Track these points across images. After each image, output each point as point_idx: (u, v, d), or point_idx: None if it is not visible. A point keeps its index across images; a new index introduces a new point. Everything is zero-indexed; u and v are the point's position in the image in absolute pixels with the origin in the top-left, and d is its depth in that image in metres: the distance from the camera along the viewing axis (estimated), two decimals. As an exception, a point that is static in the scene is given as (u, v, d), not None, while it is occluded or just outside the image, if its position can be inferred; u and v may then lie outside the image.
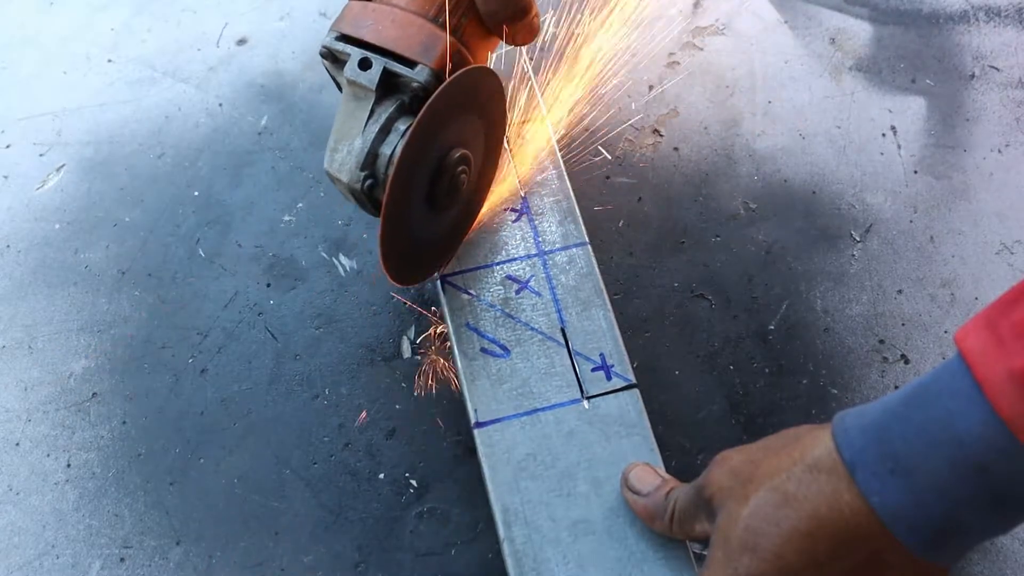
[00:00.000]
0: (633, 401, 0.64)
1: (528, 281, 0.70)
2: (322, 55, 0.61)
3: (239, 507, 0.71)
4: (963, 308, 0.79)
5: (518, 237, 0.72)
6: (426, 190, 0.62)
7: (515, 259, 0.71)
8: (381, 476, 0.72)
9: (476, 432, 0.63)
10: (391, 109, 0.58)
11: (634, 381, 0.65)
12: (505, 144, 0.74)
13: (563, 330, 0.67)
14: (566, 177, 0.75)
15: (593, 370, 0.66)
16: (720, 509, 0.49)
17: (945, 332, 0.77)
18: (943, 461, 0.39)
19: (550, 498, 0.60)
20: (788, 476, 0.45)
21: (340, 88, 0.62)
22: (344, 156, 0.59)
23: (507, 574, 0.58)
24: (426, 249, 0.66)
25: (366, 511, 0.70)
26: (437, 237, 0.67)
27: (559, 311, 0.68)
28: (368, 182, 0.59)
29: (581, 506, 0.60)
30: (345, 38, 0.59)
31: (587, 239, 0.72)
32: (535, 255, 0.71)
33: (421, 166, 0.59)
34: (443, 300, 0.69)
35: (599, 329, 0.67)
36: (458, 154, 0.61)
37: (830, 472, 0.43)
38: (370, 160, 0.58)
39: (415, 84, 0.57)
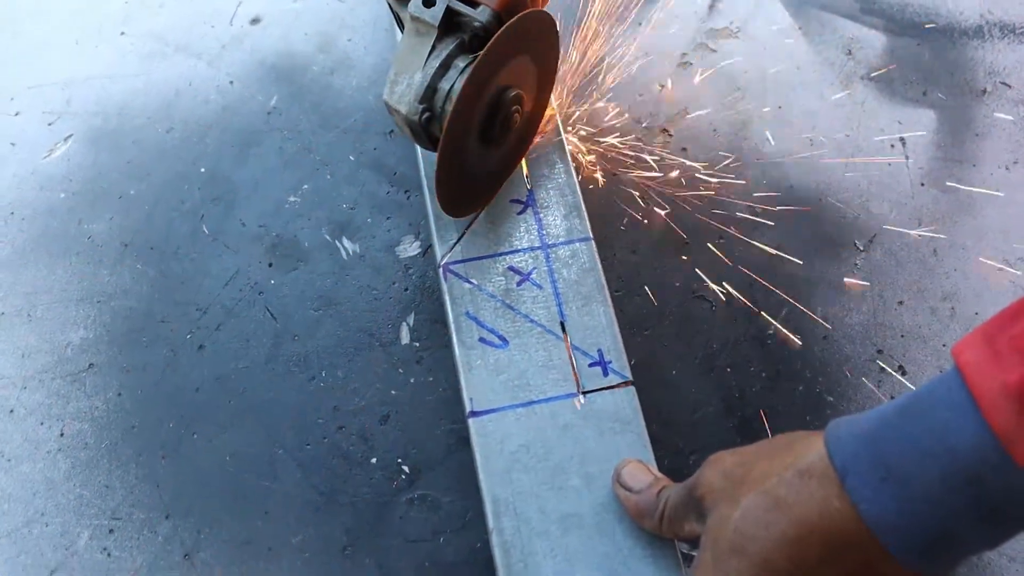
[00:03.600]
0: (629, 398, 0.64)
1: (530, 273, 0.70)
2: None
3: (230, 484, 0.71)
4: (963, 322, 0.78)
5: (522, 229, 0.72)
6: (481, 126, 0.64)
7: (518, 251, 0.71)
8: (373, 461, 0.72)
9: (471, 421, 0.63)
10: (452, 46, 0.61)
11: (631, 378, 0.65)
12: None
13: (563, 324, 0.67)
14: (573, 172, 0.75)
15: (591, 365, 0.66)
16: (711, 511, 0.48)
17: (944, 345, 0.77)
18: (935, 472, 0.39)
19: (541, 491, 0.60)
20: (779, 480, 0.45)
21: (401, 26, 0.65)
22: (404, 89, 0.61)
23: (495, 564, 0.58)
24: (477, 182, 0.69)
25: (356, 495, 0.70)
26: (487, 172, 0.69)
27: (559, 305, 0.68)
28: (426, 115, 0.61)
29: (572, 500, 0.60)
30: None
31: (591, 234, 0.72)
32: (538, 248, 0.71)
33: (478, 103, 0.62)
34: (444, 288, 0.69)
35: (599, 325, 0.67)
36: (513, 93, 0.64)
37: (821, 478, 0.43)
38: (429, 94, 0.61)
39: (476, 23, 0.60)
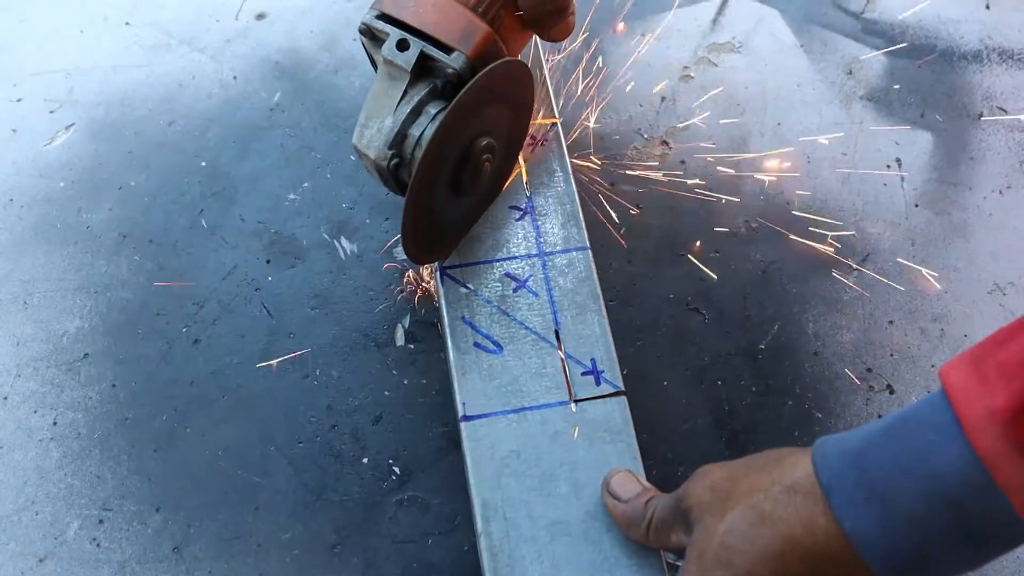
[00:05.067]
0: (620, 408, 0.65)
1: (526, 280, 0.70)
2: (361, 32, 0.62)
3: (221, 479, 0.71)
4: (952, 344, 0.80)
5: (520, 236, 0.73)
6: (451, 174, 0.63)
7: (515, 257, 0.72)
8: (365, 460, 0.72)
9: (463, 425, 0.63)
10: (424, 92, 0.60)
11: (622, 388, 0.65)
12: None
13: (557, 332, 0.68)
14: (572, 181, 0.75)
15: (583, 374, 0.66)
16: (697, 523, 0.49)
17: (932, 366, 0.78)
18: (917, 493, 0.40)
19: (530, 497, 0.61)
20: (766, 496, 0.46)
21: (375, 66, 0.63)
22: (374, 133, 0.60)
23: (482, 568, 0.58)
24: (444, 231, 0.68)
25: (347, 494, 0.71)
26: (455, 220, 0.68)
27: (555, 313, 0.69)
28: (395, 160, 0.60)
29: (560, 507, 0.60)
30: (385, 17, 0.60)
31: (588, 244, 0.72)
32: (535, 255, 0.72)
33: (449, 151, 0.61)
34: (441, 292, 0.69)
35: (592, 334, 0.68)
36: (484, 142, 0.63)
37: (807, 494, 0.44)
38: (399, 140, 0.60)
39: (450, 70, 0.58)
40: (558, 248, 0.72)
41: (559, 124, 0.79)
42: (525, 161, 0.76)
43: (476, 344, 0.67)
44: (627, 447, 0.63)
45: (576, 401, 0.65)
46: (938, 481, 0.39)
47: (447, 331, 0.68)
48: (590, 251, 0.72)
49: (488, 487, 0.61)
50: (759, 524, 0.45)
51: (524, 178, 0.75)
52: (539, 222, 0.73)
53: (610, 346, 0.68)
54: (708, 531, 0.48)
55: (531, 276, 0.71)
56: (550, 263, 0.71)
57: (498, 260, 0.72)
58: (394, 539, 0.69)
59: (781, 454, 0.49)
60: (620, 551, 0.59)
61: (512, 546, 0.59)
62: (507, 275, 0.71)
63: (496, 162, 0.67)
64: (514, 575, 0.58)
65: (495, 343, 0.67)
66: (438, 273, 0.70)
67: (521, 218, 0.74)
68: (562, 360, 0.67)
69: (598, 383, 0.66)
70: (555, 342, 0.67)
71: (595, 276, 0.71)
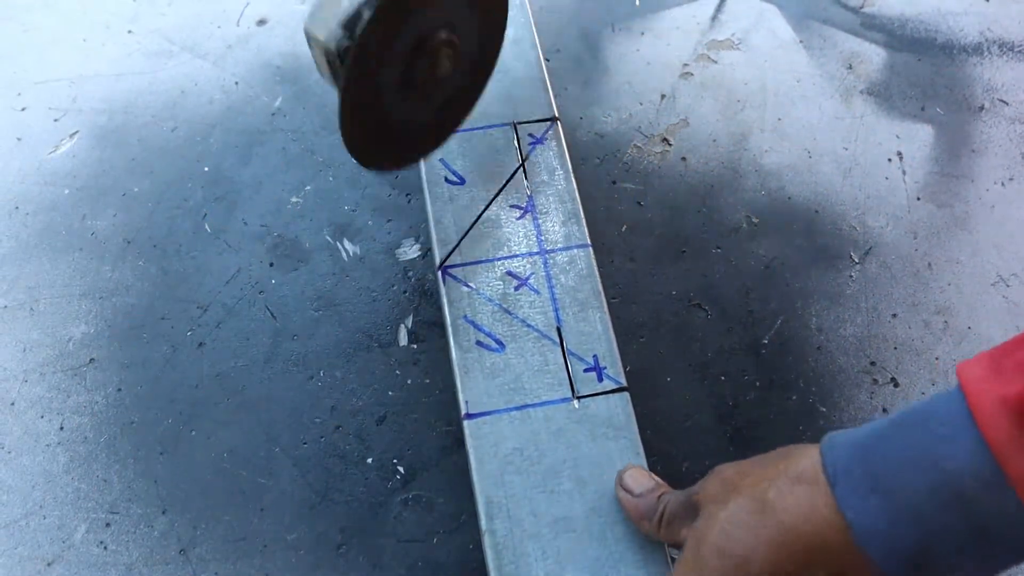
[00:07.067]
0: (623, 404, 0.65)
1: (528, 278, 0.70)
2: None
3: (226, 481, 0.71)
4: (956, 336, 0.79)
5: (521, 234, 0.73)
6: (403, 65, 0.58)
7: (516, 256, 0.72)
8: (369, 461, 0.72)
9: (466, 423, 0.63)
10: None
11: (625, 384, 0.65)
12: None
13: (559, 329, 0.68)
14: (573, 179, 0.75)
15: (585, 371, 0.66)
16: (702, 512, 0.49)
17: (936, 359, 0.78)
18: (924, 486, 0.39)
19: (534, 494, 0.61)
20: (770, 485, 0.45)
21: None
22: (327, 14, 0.55)
23: (487, 566, 0.59)
24: (400, 136, 0.63)
25: (352, 494, 0.71)
26: (413, 126, 0.64)
27: (556, 310, 0.69)
28: (345, 44, 0.54)
29: (564, 504, 0.60)
30: None
31: (589, 241, 0.72)
32: (536, 253, 0.72)
33: (400, 33, 0.56)
34: (442, 291, 0.70)
35: (594, 331, 0.68)
36: (444, 35, 0.58)
37: (812, 484, 0.44)
38: (352, 21, 0.54)
39: None
40: (559, 246, 0.72)
41: (559, 123, 0.79)
42: (525, 160, 0.76)
43: (478, 343, 0.67)
44: (630, 443, 0.63)
45: (579, 398, 0.65)
46: (946, 474, 0.38)
47: (449, 330, 0.68)
48: (591, 248, 0.72)
49: (492, 484, 0.61)
50: (759, 512, 0.45)
51: (524, 177, 0.75)
52: (540, 220, 0.74)
53: (612, 343, 0.68)
54: (709, 519, 0.47)
55: (532, 274, 0.71)
56: (551, 261, 0.72)
57: (499, 259, 0.72)
58: (399, 538, 0.69)
59: (792, 449, 0.49)
60: (625, 547, 0.59)
61: (517, 543, 0.59)
62: (508, 273, 0.71)
63: (460, 64, 0.62)
64: (519, 572, 0.58)
65: (497, 341, 0.68)
66: (440, 273, 0.71)
67: (522, 216, 0.74)
68: (564, 357, 0.67)
69: (600, 379, 0.66)
70: (557, 339, 0.68)
71: (596, 273, 0.71)
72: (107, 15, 1.02)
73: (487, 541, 0.59)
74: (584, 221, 0.73)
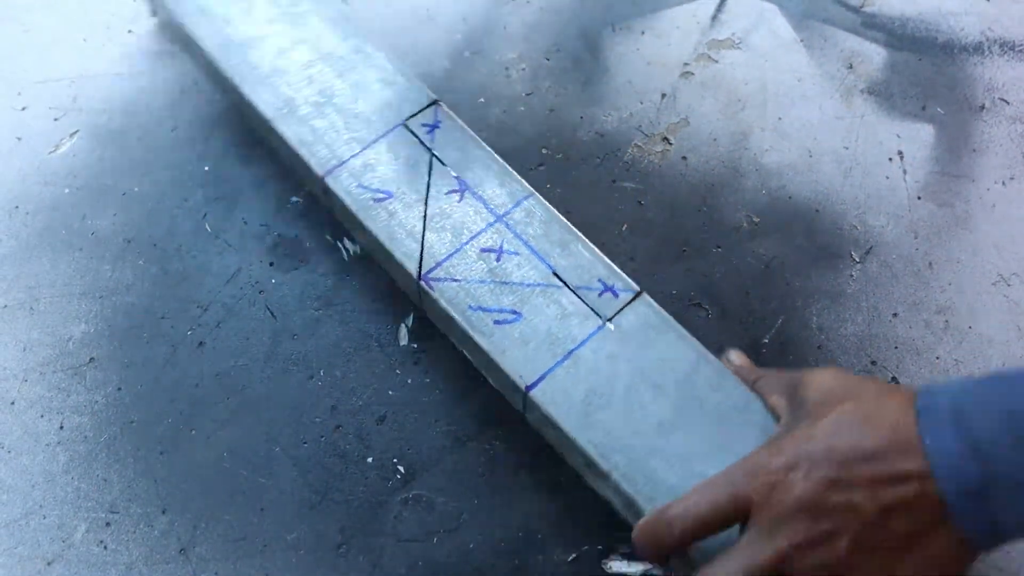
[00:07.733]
0: (647, 304, 0.68)
1: (501, 247, 0.72)
2: None
3: (227, 481, 0.71)
4: (956, 336, 0.79)
5: (471, 212, 0.75)
6: None
7: (479, 232, 0.73)
8: (369, 460, 0.72)
9: (531, 395, 0.64)
10: None
11: (638, 288, 0.68)
12: None
13: (555, 273, 0.69)
14: (483, 143, 0.77)
15: (600, 295, 0.69)
16: (806, 402, 0.54)
17: (937, 358, 0.78)
18: (1005, 427, 0.42)
19: (625, 418, 0.62)
20: (874, 398, 0.50)
21: None
22: None
23: (623, 501, 0.60)
24: None
25: (352, 494, 0.71)
26: None
27: (543, 259, 0.71)
28: None
29: (655, 411, 0.62)
30: None
31: (532, 190, 0.75)
32: (495, 222, 0.73)
33: None
34: (435, 297, 0.70)
35: (585, 260, 0.71)
36: None
37: (901, 401, 0.48)
38: None
39: None
40: (509, 206, 0.74)
41: (440, 103, 0.79)
42: (432, 149, 0.77)
43: (496, 322, 0.68)
44: (676, 334, 0.67)
45: (609, 320, 0.67)
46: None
47: (464, 326, 0.68)
48: (537, 195, 0.75)
49: (587, 430, 0.62)
50: (861, 423, 0.48)
51: (441, 163, 0.76)
52: (479, 191, 0.75)
53: (607, 262, 0.70)
54: (821, 412, 0.51)
55: (503, 240, 0.72)
56: (511, 221, 0.74)
57: (466, 243, 0.73)
58: (399, 538, 0.69)
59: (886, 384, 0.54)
60: (722, 415, 0.62)
61: (640, 464, 0.60)
62: (483, 251, 0.72)
63: None
64: (657, 490, 0.59)
65: (511, 312, 0.68)
66: (423, 283, 0.71)
67: (461, 198, 0.75)
68: (575, 294, 0.69)
69: (616, 295, 0.69)
70: (560, 283, 0.69)
71: (556, 212, 0.73)
72: (107, 15, 1.02)
73: (616, 477, 0.60)
74: (516, 174, 0.76)
